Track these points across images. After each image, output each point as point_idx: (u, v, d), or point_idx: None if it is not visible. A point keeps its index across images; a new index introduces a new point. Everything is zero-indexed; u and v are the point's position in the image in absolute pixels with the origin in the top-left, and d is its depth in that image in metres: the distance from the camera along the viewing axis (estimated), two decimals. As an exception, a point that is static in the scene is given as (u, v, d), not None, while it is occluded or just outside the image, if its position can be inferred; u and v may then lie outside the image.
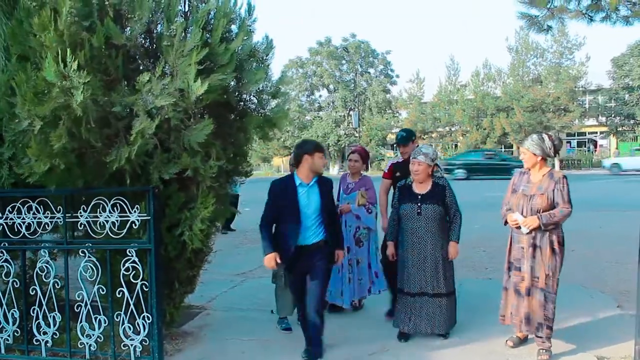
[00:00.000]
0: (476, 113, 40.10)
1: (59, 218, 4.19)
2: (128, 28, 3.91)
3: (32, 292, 4.30)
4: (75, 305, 4.20)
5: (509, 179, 4.60)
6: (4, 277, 4.37)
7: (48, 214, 4.22)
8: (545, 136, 4.23)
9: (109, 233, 4.05)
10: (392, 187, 5.37)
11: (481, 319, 5.11)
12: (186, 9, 4.20)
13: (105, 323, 4.15)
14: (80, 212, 4.12)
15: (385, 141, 45.30)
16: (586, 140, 43.94)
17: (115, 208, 4.03)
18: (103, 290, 4.14)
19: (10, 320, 4.39)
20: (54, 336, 4.29)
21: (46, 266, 4.28)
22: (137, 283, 4.02)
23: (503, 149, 42.42)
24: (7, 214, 4.30)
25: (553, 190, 4.15)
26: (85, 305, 4.18)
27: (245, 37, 4.30)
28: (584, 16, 6.97)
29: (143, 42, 4.07)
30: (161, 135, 3.87)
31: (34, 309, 4.30)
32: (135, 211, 3.99)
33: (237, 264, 7.93)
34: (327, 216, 4.26)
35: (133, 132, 3.68)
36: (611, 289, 6.07)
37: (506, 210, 4.34)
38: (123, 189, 4.02)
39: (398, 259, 4.73)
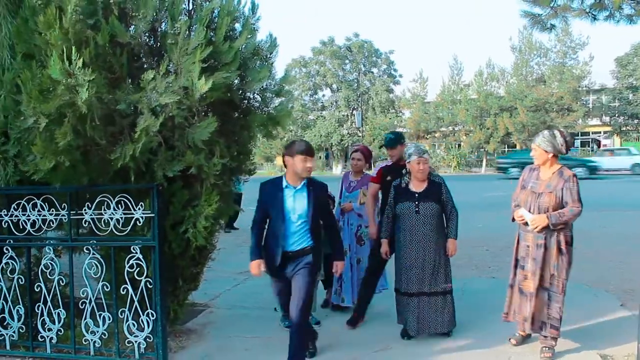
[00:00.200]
0: (479, 113, 40.02)
1: (63, 215, 4.21)
2: (132, 26, 3.93)
3: (37, 289, 4.32)
4: (80, 302, 4.23)
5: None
6: (9, 274, 4.40)
7: (53, 211, 4.24)
8: (557, 132, 4.16)
9: (114, 230, 4.07)
10: (380, 192, 5.32)
11: (485, 317, 5.12)
12: (190, 7, 4.22)
13: (109, 320, 4.17)
14: (85, 209, 4.15)
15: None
16: (590, 140, 43.81)
17: (119, 205, 4.05)
18: (107, 287, 4.17)
19: (16, 317, 4.42)
20: (59, 333, 4.31)
21: (51, 263, 4.31)
22: (141, 280, 4.04)
23: (507, 149, 42.40)
24: (12, 211, 4.32)
25: (562, 189, 4.07)
26: (90, 302, 4.19)
27: (249, 36, 4.30)
28: (588, 15, 6.98)
29: (147, 40, 4.09)
30: (165, 133, 3.88)
31: (38, 305, 4.32)
32: (139, 208, 4.00)
33: (240, 262, 7.92)
34: (315, 223, 3.97)
35: (137, 130, 3.70)
36: (615, 288, 6.06)
37: (514, 207, 4.28)
38: (127, 187, 4.04)
39: (395, 259, 4.70)
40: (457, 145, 42.28)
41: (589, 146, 43.31)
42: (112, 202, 4.06)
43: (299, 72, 48.09)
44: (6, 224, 4.36)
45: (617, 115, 40.50)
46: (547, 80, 39.02)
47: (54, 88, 3.58)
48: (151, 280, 4.03)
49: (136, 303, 4.07)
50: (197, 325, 5.11)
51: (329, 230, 4.14)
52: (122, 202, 4.04)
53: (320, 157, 45.27)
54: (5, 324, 4.44)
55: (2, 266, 4.41)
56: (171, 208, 4.16)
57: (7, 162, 4.39)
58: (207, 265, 4.90)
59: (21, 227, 4.32)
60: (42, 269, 4.34)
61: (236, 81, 4.27)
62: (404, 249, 4.56)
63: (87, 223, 4.20)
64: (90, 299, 4.19)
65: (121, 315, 4.12)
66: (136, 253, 4.04)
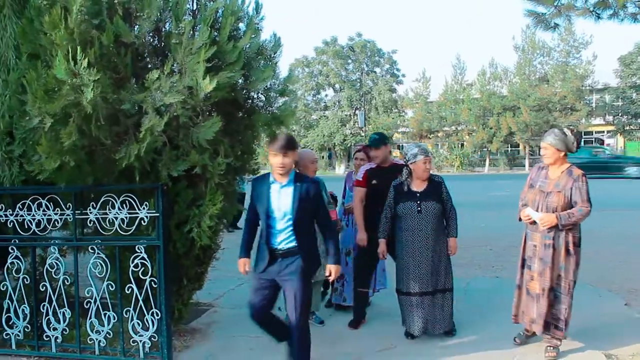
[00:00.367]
0: (482, 112, 39.95)
1: (68, 215, 4.23)
2: (137, 26, 3.94)
3: (42, 288, 4.34)
4: (85, 302, 4.24)
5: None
6: (14, 274, 4.42)
7: (58, 210, 4.26)
8: (567, 131, 4.10)
9: (118, 230, 4.09)
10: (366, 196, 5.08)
11: (488, 316, 5.12)
12: (194, 7, 4.22)
13: (114, 319, 4.18)
14: (90, 209, 4.16)
15: (392, 140, 45.23)
16: (593, 139, 43.71)
17: (124, 205, 4.06)
18: (112, 287, 4.18)
19: (21, 316, 4.43)
20: (64, 332, 4.33)
21: (56, 263, 4.32)
22: (145, 279, 4.05)
23: (510, 148, 42.34)
24: (17, 211, 4.34)
25: (571, 189, 4.01)
26: (95, 301, 4.21)
27: (253, 35, 4.31)
28: (592, 13, 6.95)
29: (152, 40, 4.10)
30: (170, 133, 3.89)
31: (44, 305, 4.34)
32: (144, 208, 4.02)
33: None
34: (301, 221, 3.68)
35: (142, 130, 3.71)
36: (618, 288, 6.06)
37: (522, 206, 4.24)
38: (132, 186, 4.05)
39: (397, 259, 4.68)
40: (460, 145, 42.21)
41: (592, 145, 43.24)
42: (116, 202, 4.07)
43: (302, 72, 48.05)
44: (11, 223, 4.38)
45: (620, 114, 40.38)
46: (550, 79, 38.92)
47: (59, 88, 3.59)
48: (156, 280, 4.04)
49: (141, 302, 4.09)
50: (202, 325, 5.12)
51: (323, 231, 3.86)
52: (126, 201, 4.05)
53: (323, 157, 45.21)
54: (10, 323, 4.46)
55: (8, 266, 4.42)
56: (176, 207, 4.17)
57: (13, 162, 4.41)
58: (212, 265, 4.91)
59: (26, 226, 4.34)
60: (47, 268, 4.35)
61: (240, 81, 4.27)
62: (406, 249, 4.54)
63: (92, 223, 4.23)
64: (95, 298, 4.21)
65: (126, 314, 4.13)
66: (141, 252, 4.05)
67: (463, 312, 5.14)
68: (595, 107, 41.24)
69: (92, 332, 4.22)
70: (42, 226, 4.31)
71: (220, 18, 4.13)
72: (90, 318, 4.22)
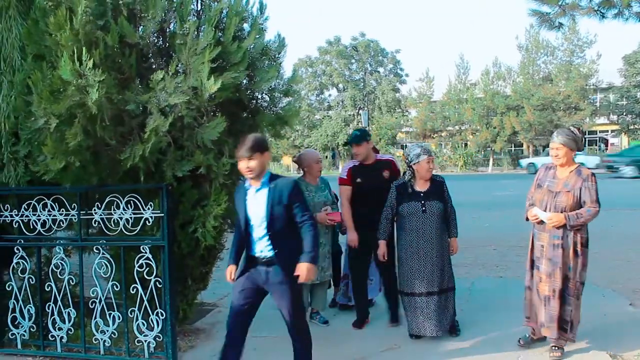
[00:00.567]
0: (486, 112, 39.90)
1: (73, 215, 4.24)
2: (141, 27, 3.95)
3: (48, 288, 4.35)
4: (90, 302, 4.26)
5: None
6: (19, 274, 4.43)
7: (63, 211, 4.27)
8: (574, 129, 4.06)
9: (123, 230, 4.10)
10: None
11: (493, 316, 5.10)
12: (199, 8, 4.24)
13: (119, 319, 4.20)
14: (95, 209, 4.17)
15: (395, 140, 45.24)
16: (597, 138, 43.61)
17: (129, 205, 4.07)
18: (117, 287, 4.19)
19: (26, 316, 4.45)
20: (69, 332, 4.34)
21: (61, 263, 4.33)
22: (150, 280, 4.07)
23: (513, 148, 42.25)
24: (22, 211, 4.36)
25: (580, 188, 3.96)
26: (100, 301, 4.22)
27: (258, 36, 4.32)
28: (596, 13, 6.95)
29: (156, 40, 4.11)
30: (174, 133, 3.90)
31: (49, 305, 4.35)
32: (148, 208, 4.03)
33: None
34: (278, 227, 3.44)
35: (147, 130, 3.72)
36: (622, 288, 6.04)
37: (529, 206, 4.19)
38: (137, 186, 4.06)
39: (400, 260, 4.64)
40: (463, 145, 42.15)
41: (596, 145, 43.13)
42: (121, 202, 4.08)
43: (306, 72, 48.12)
44: (17, 224, 4.39)
45: (624, 113, 40.27)
46: (554, 78, 38.85)
47: (65, 89, 3.61)
48: (160, 280, 4.05)
49: (146, 302, 4.10)
50: (206, 325, 5.13)
51: (300, 227, 3.48)
52: (131, 202, 4.06)
53: (326, 157, 45.27)
54: (16, 323, 4.48)
55: (13, 266, 4.44)
56: (180, 208, 4.18)
57: (18, 163, 4.42)
58: (216, 265, 4.92)
59: (32, 227, 4.35)
60: (52, 268, 4.36)
61: (245, 81, 4.28)
62: (411, 250, 4.52)
63: (96, 223, 4.23)
64: (100, 298, 4.22)
65: (131, 314, 4.14)
66: (146, 253, 4.06)
67: (467, 312, 5.14)
68: (599, 107, 41.15)
69: (97, 332, 4.23)
70: (47, 226, 4.32)
71: (225, 18, 4.15)
72: (95, 318, 4.23)
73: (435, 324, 4.51)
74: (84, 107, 3.61)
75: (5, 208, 4.43)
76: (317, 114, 48.71)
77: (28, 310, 4.44)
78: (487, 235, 9.68)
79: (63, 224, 4.31)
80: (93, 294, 4.24)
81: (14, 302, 4.46)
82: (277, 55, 4.58)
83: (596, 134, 43.23)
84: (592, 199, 3.94)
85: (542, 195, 4.10)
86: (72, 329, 4.33)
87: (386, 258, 4.73)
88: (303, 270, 3.37)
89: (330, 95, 50.21)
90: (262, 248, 3.51)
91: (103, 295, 4.22)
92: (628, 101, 40.08)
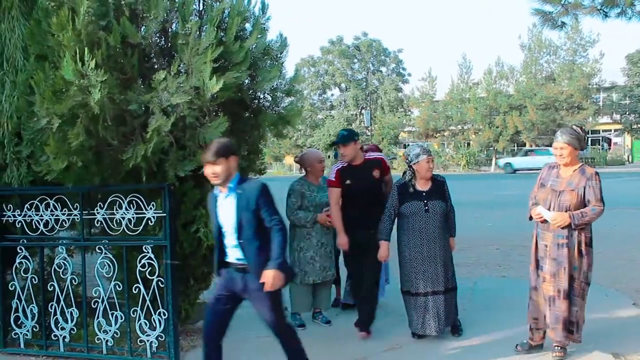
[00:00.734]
0: (489, 111, 39.82)
1: (76, 215, 4.25)
2: (143, 27, 3.97)
3: (50, 288, 4.37)
4: (92, 302, 4.27)
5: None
6: (22, 274, 4.44)
7: (65, 211, 4.28)
8: (577, 128, 4.04)
9: (125, 230, 4.10)
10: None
11: (495, 316, 5.09)
12: (201, 8, 4.25)
13: (121, 319, 4.20)
14: (97, 209, 4.18)
15: (397, 140, 45.21)
16: (600, 138, 43.51)
17: (131, 205, 4.07)
18: (119, 287, 4.20)
19: (29, 316, 4.46)
20: (72, 332, 4.35)
21: (64, 263, 4.34)
22: (152, 279, 4.06)
23: (516, 148, 42.15)
24: (25, 211, 4.37)
25: (584, 187, 3.93)
26: (102, 301, 4.23)
27: (260, 35, 4.32)
28: (599, 12, 6.92)
29: (158, 40, 4.12)
30: (177, 133, 3.91)
31: (52, 305, 4.36)
32: (151, 208, 4.03)
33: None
34: (247, 234, 3.34)
35: (149, 130, 3.73)
36: (626, 287, 6.02)
37: (532, 205, 4.15)
38: (139, 186, 4.06)
39: (402, 260, 4.60)
40: (466, 144, 42.08)
41: (599, 144, 43.03)
42: (124, 202, 4.08)
43: (308, 72, 48.15)
44: (19, 224, 4.41)
45: (627, 113, 40.20)
46: (556, 78, 38.76)
47: (67, 89, 3.62)
48: (163, 280, 4.05)
49: (148, 302, 4.10)
50: (208, 324, 5.12)
51: (270, 232, 3.35)
52: (133, 202, 4.07)
53: (329, 157, 45.20)
54: (19, 322, 4.49)
55: (16, 266, 4.45)
56: (183, 208, 4.18)
57: (21, 163, 4.43)
58: (218, 265, 4.92)
59: (34, 227, 4.36)
60: (55, 268, 4.37)
61: (247, 81, 4.29)
62: (414, 249, 4.51)
63: (99, 223, 4.25)
64: (103, 298, 4.23)
65: (133, 314, 4.14)
66: (148, 252, 4.06)
67: (470, 311, 5.13)
68: (602, 106, 41.07)
69: (100, 332, 4.23)
70: (49, 226, 4.33)
71: (227, 18, 4.15)
72: (97, 318, 4.23)
73: (440, 323, 4.50)
74: (86, 107, 3.62)
75: (8, 208, 4.44)
76: (319, 114, 48.73)
77: (31, 310, 4.46)
78: (490, 235, 9.67)
79: (65, 223, 4.33)
80: (95, 293, 4.26)
81: (16, 302, 4.48)
82: (279, 55, 4.58)
83: (599, 133, 43.12)
84: (597, 198, 3.91)
85: (546, 195, 4.06)
86: (74, 328, 4.34)
87: (387, 261, 4.66)
88: (268, 277, 3.27)
89: (332, 94, 50.28)
90: (236, 255, 3.43)
91: (105, 295, 4.23)
92: (631, 100, 39.99)
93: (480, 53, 73.78)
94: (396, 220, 4.65)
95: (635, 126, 40.28)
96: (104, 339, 4.23)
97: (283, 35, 4.60)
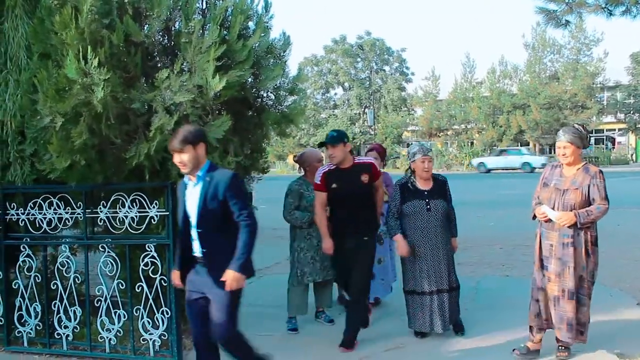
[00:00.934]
0: (492, 110, 39.78)
1: (79, 214, 4.25)
2: (147, 25, 3.97)
3: (53, 286, 4.37)
4: (95, 300, 4.27)
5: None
6: (26, 272, 4.45)
7: (68, 209, 4.29)
8: (579, 127, 4.01)
9: (128, 228, 4.11)
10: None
11: (498, 315, 5.08)
12: (204, 6, 4.25)
13: (124, 317, 4.21)
14: (100, 208, 4.19)
15: (401, 139, 45.18)
16: (604, 137, 43.38)
17: (134, 203, 4.08)
18: (122, 285, 4.20)
19: (33, 314, 4.47)
20: (75, 330, 4.36)
21: (67, 261, 4.35)
22: (156, 278, 4.07)
23: (520, 147, 42.07)
24: (29, 210, 4.37)
25: (588, 186, 3.90)
26: (105, 299, 4.24)
27: (263, 34, 4.32)
28: (603, 10, 6.90)
29: (161, 39, 4.12)
30: (180, 132, 3.90)
31: (55, 303, 4.37)
32: (154, 207, 4.03)
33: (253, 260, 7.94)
34: (206, 226, 3.23)
35: (152, 129, 3.73)
36: (630, 287, 5.99)
37: (535, 204, 4.11)
38: (142, 185, 4.07)
39: (405, 259, 4.57)
40: (469, 143, 42.02)
41: (603, 143, 42.91)
42: (127, 201, 4.09)
43: (311, 71, 48.13)
44: (23, 222, 4.41)
45: (632, 112, 40.04)
46: (560, 77, 38.67)
47: (70, 87, 3.62)
48: (166, 278, 4.05)
49: (151, 301, 4.10)
50: (211, 323, 5.12)
51: (239, 228, 3.23)
52: (136, 200, 4.07)
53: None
54: (22, 321, 4.50)
55: (19, 264, 4.46)
56: (185, 206, 4.18)
57: (24, 161, 4.43)
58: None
59: (37, 225, 4.37)
60: (58, 267, 4.38)
61: (250, 79, 4.29)
62: (417, 248, 4.49)
63: (102, 221, 4.25)
64: (106, 296, 4.23)
65: (136, 313, 4.15)
66: (151, 251, 4.06)
67: (472, 311, 5.12)
68: (606, 105, 40.92)
69: (103, 330, 4.24)
70: (53, 225, 4.34)
71: (230, 17, 4.15)
72: (100, 316, 4.24)
73: (444, 321, 4.50)
74: (89, 106, 3.62)
75: (12, 207, 4.45)
76: (322, 113, 48.70)
77: (34, 308, 4.47)
78: (493, 234, 9.64)
79: (69, 222, 4.34)
80: (99, 292, 4.26)
81: (20, 300, 4.49)
82: (282, 54, 4.58)
83: (603, 132, 42.99)
84: (601, 196, 3.89)
85: (550, 194, 4.03)
86: (77, 327, 4.35)
87: (408, 254, 4.49)
88: (229, 277, 3.15)
89: (336, 93, 50.24)
90: (199, 247, 3.31)
91: (108, 294, 4.23)
92: (635, 99, 39.83)
93: (483, 52, 73.85)
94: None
95: (639, 125, 40.12)
96: (107, 337, 4.23)
97: (286, 34, 4.60)
